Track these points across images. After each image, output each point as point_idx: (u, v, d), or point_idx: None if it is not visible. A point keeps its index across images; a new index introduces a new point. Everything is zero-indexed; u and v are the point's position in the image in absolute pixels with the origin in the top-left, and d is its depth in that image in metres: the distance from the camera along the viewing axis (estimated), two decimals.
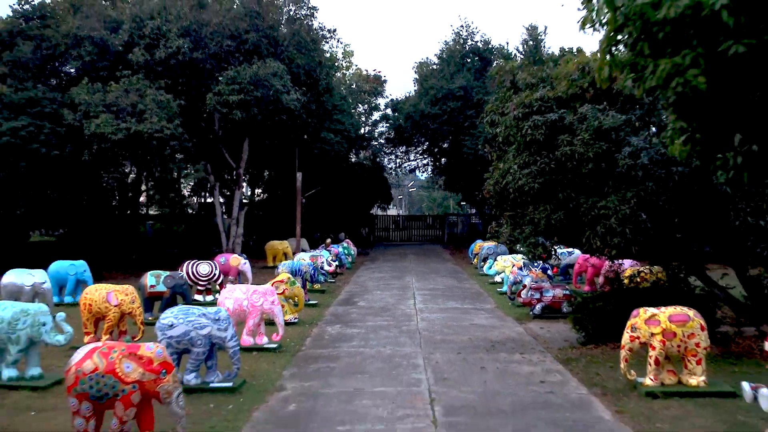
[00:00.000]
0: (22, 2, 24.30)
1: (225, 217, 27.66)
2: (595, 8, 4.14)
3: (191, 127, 23.64)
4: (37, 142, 20.57)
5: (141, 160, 23.59)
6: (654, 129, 10.59)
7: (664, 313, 9.00)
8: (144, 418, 6.55)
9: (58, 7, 25.54)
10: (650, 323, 8.96)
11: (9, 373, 9.26)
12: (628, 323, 9.20)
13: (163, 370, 6.45)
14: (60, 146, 20.97)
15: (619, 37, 4.22)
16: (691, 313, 9.03)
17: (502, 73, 11.79)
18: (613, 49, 4.34)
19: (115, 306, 11.69)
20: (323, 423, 7.76)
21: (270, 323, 12.70)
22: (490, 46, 35.83)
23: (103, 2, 26.49)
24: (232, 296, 11.83)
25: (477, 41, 36.04)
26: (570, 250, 20.95)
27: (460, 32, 36.26)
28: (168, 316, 9.14)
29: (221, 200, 27.77)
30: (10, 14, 24.19)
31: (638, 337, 9.04)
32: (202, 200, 37.97)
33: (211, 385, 8.99)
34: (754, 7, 3.56)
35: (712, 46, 3.88)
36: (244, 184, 32.85)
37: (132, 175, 29.09)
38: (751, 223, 10.36)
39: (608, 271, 13.61)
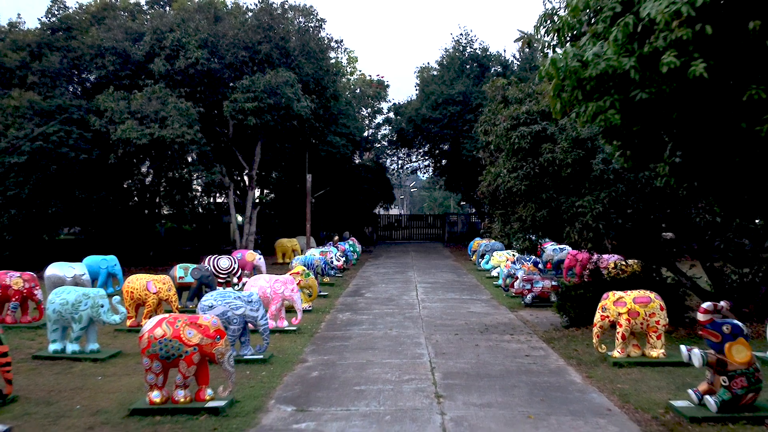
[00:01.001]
0: (49, 15, 25.93)
1: (238, 216, 29.29)
2: (547, 65, 5.74)
3: (207, 132, 25.26)
4: (67, 146, 22.22)
5: (160, 163, 25.25)
6: None
7: (630, 295, 10.61)
8: (201, 374, 8.17)
9: (80, 17, 27.20)
10: (618, 304, 10.57)
11: (72, 347, 10.89)
12: (600, 305, 10.80)
13: (218, 336, 8.07)
14: (88, 150, 22.60)
15: (565, 83, 5.80)
16: (653, 295, 10.63)
17: (494, 88, 13.40)
18: (561, 93, 5.95)
19: (154, 293, 13.35)
20: (342, 384, 9.38)
21: (289, 310, 14.35)
22: (488, 53, 37.44)
23: (123, 14, 28.15)
24: (257, 284, 13.45)
25: (476, 49, 37.70)
26: (561, 246, 22.55)
27: (460, 40, 37.93)
28: (208, 298, 10.77)
29: (236, 200, 29.43)
30: (39, 26, 25.84)
31: (608, 316, 10.64)
32: (212, 200, 39.57)
33: (246, 356, 10.60)
34: (652, 67, 5.12)
35: (625, 93, 5.48)
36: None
37: (149, 178, 30.69)
38: (709, 219, 11.99)
39: (589, 263, 15.22)
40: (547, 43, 5.95)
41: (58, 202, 22.37)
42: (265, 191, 41.49)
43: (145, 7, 29.21)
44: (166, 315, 8.24)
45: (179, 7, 26.36)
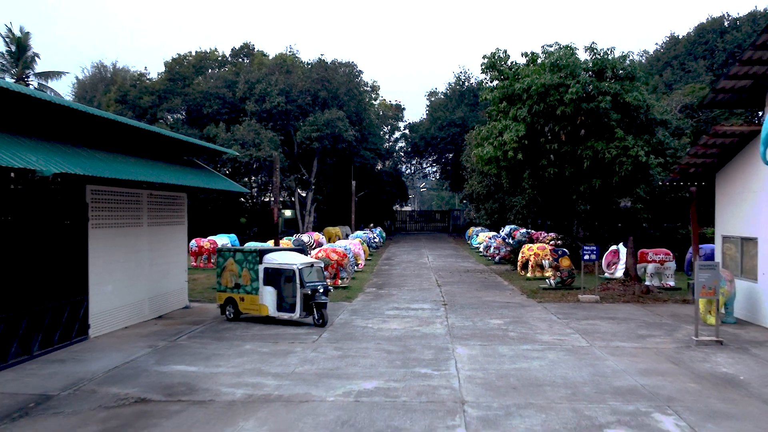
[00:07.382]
0: (168, 70, 36.93)
1: (286, 211, 40.12)
2: (473, 153, 16.32)
3: (281, 152, 36.13)
4: None
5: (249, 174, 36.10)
6: None
7: (535, 245, 21.32)
8: (337, 274, 18.98)
9: (185, 67, 38.13)
10: (529, 251, 21.27)
11: None
12: (520, 251, 21.50)
13: (345, 257, 18.86)
14: None
15: (478, 160, 16.36)
16: (547, 246, 21.31)
17: (470, 137, 24.10)
18: (478, 162, 16.53)
19: None
20: (395, 284, 20.15)
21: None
22: (482, 86, 48.11)
23: (213, 63, 39.08)
24: (341, 245, 24.24)
25: (472, 83, 48.45)
26: (527, 231, 33.25)
27: (460, 76, 48.78)
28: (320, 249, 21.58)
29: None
30: (161, 77, 36.85)
31: (524, 256, 21.35)
32: (265, 199, 50.45)
33: (344, 277, 21.39)
34: (506, 155, 15.59)
35: (497, 163, 16.11)
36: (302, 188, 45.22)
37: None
38: (582, 209, 22.65)
39: (526, 235, 26.01)
40: (475, 142, 16.66)
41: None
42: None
43: (229, 58, 40.14)
44: (323, 246, 19.12)
45: (258, 62, 37.25)
